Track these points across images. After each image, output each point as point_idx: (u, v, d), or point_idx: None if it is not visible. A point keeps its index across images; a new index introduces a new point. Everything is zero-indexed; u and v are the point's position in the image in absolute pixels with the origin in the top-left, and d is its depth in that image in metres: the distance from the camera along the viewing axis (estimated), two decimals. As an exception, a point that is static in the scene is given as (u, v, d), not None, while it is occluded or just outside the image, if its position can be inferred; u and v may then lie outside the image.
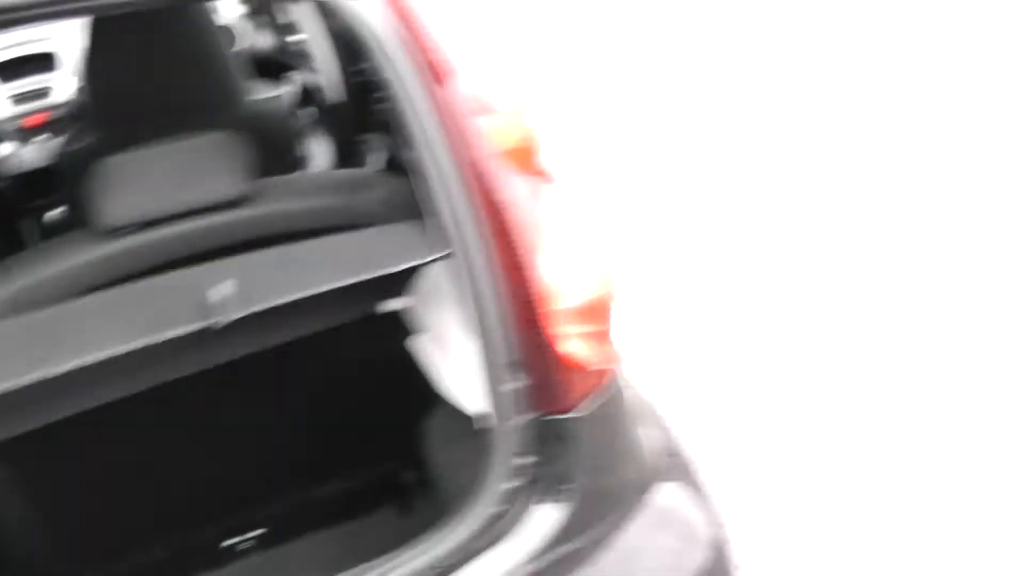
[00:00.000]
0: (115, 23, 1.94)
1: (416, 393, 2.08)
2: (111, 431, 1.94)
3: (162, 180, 1.84)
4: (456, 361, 1.86)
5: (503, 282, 1.57)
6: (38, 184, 2.73)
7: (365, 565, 1.52)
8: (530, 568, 1.56)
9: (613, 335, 1.69)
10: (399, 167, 2.14)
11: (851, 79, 6.12)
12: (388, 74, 1.62)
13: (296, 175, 2.16)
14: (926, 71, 6.01)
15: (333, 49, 2.75)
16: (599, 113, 6.14)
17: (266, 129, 2.29)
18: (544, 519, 1.60)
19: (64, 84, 2.86)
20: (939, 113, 5.49)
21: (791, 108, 5.91)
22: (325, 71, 2.77)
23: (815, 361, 3.74)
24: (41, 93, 2.87)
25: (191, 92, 2.12)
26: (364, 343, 2.11)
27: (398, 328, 2.09)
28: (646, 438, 1.85)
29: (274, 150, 2.35)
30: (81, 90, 2.44)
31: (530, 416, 1.59)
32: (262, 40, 3.08)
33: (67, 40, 2.89)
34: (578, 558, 1.62)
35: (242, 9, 3.15)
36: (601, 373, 1.67)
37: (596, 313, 1.63)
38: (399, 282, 1.97)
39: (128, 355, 1.58)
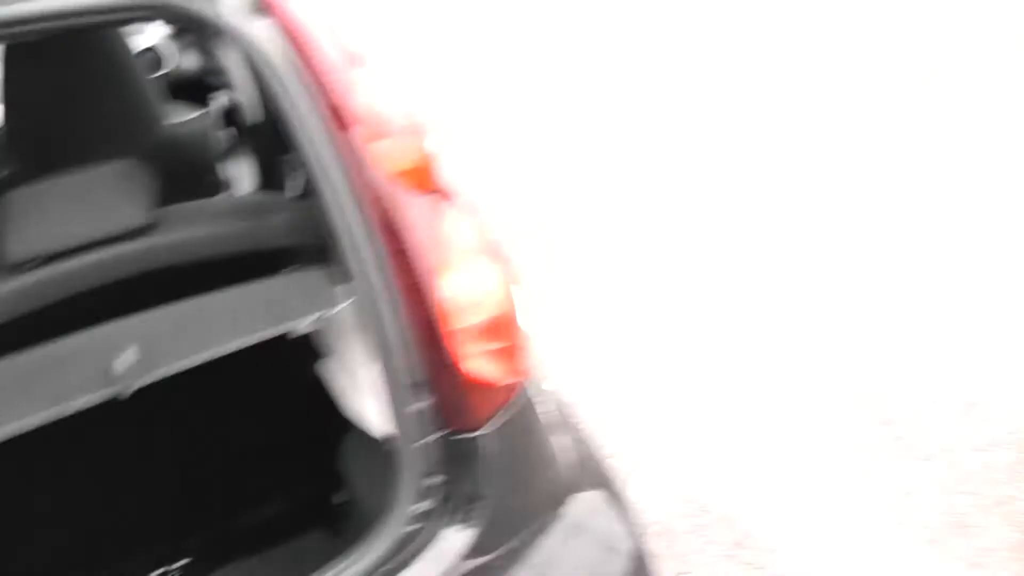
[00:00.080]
0: (28, 51, 1.92)
1: (334, 415, 2.08)
2: (29, 467, 1.92)
3: (65, 212, 1.82)
4: (361, 384, 1.86)
5: (403, 304, 1.57)
6: None
7: None
8: (442, 588, 1.56)
9: (522, 349, 1.69)
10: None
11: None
12: (280, 98, 1.62)
13: (202, 201, 2.15)
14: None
15: (250, 68, 2.74)
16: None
17: (182, 153, 2.27)
18: (455, 538, 1.60)
19: None
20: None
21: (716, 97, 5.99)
22: (245, 91, 2.76)
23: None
24: None
25: (104, 119, 2.10)
26: (277, 368, 2.10)
27: (309, 351, 2.08)
28: (561, 448, 1.85)
29: (191, 174, 2.33)
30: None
31: (437, 436, 1.58)
32: (187, 61, 3.05)
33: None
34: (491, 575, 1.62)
35: (168, 30, 3.12)
36: (509, 388, 1.67)
37: (500, 330, 1.63)
38: None
39: None
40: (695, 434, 3.56)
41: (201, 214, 2.04)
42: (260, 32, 1.67)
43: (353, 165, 1.61)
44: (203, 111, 2.63)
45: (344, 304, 1.72)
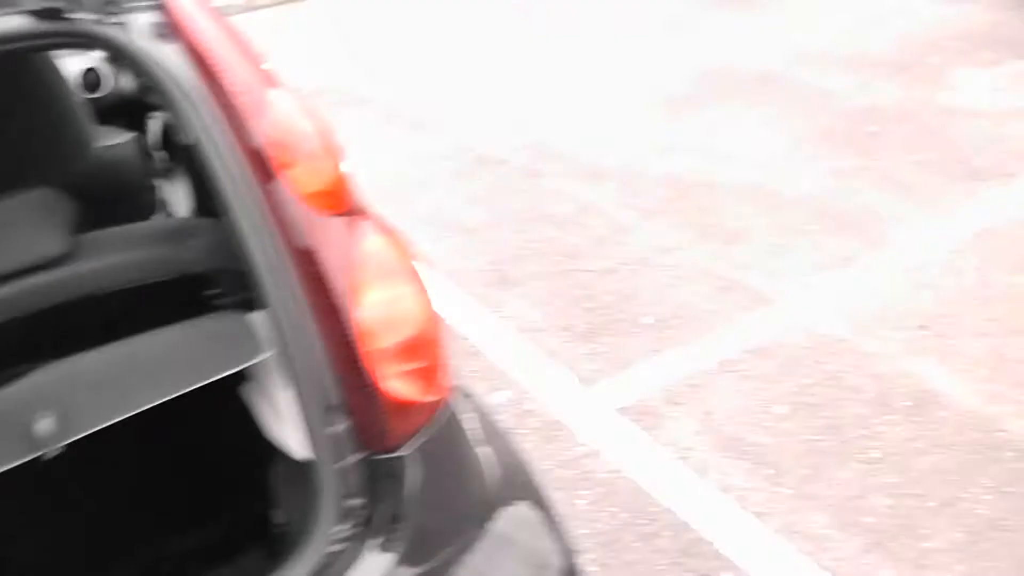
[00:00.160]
0: None
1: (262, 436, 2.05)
2: None
3: None
4: (280, 407, 1.84)
5: (318, 326, 1.55)
6: None
7: None
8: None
9: (443, 367, 1.68)
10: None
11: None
12: (190, 121, 1.60)
13: (124, 227, 2.12)
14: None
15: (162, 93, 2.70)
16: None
17: (112, 177, 2.24)
18: (377, 560, 1.58)
19: None
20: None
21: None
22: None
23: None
24: None
25: (24, 145, 2.07)
26: (206, 390, 2.07)
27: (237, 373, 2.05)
28: (488, 460, 1.83)
29: (122, 198, 2.30)
30: None
31: (356, 458, 1.56)
32: (125, 81, 3.02)
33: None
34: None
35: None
36: (431, 407, 1.65)
37: (420, 349, 1.61)
38: None
39: None
40: (640, 438, 3.55)
41: (122, 240, 2.01)
42: (169, 56, 1.64)
43: (265, 187, 1.59)
44: (135, 133, 2.60)
45: (267, 354, 1.70)
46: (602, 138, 6.26)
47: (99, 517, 2.19)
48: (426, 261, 1.71)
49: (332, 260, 1.57)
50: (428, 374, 1.63)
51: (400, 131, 6.80)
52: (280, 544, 2.32)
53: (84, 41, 1.75)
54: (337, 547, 1.55)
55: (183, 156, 2.69)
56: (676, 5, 8.93)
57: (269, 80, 1.75)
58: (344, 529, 1.56)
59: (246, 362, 1.73)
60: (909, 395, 3.63)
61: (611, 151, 6.04)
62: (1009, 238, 4.63)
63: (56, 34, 1.69)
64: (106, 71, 2.99)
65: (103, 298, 1.82)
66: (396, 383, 1.57)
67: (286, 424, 1.81)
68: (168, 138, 2.76)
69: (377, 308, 1.57)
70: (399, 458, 1.60)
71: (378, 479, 1.59)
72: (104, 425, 1.61)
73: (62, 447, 1.61)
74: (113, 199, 2.13)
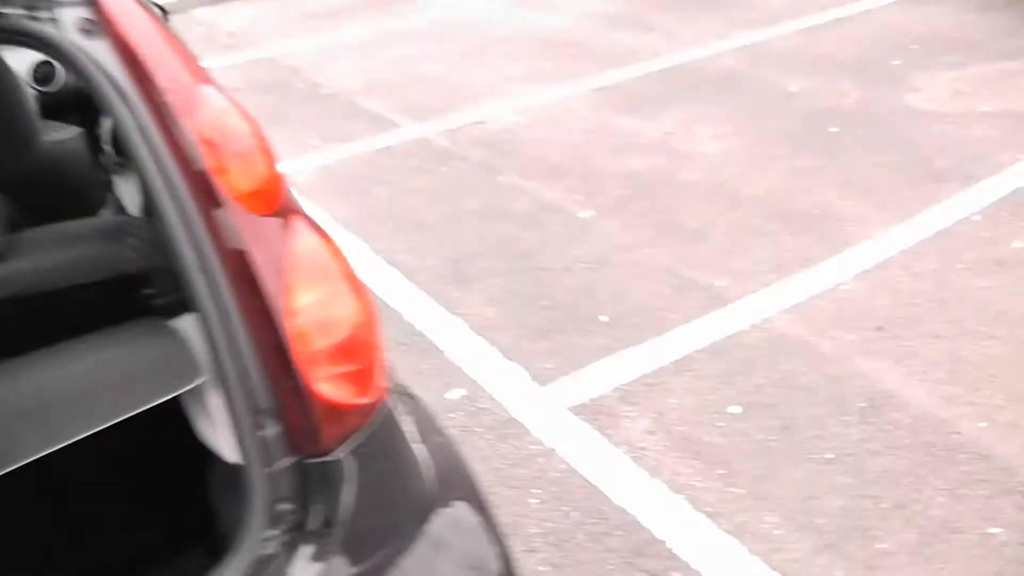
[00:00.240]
0: None
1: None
2: None
3: None
4: (211, 411, 1.78)
5: (248, 328, 1.50)
6: None
7: None
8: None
9: (378, 369, 1.62)
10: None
11: None
12: (119, 117, 1.55)
13: (60, 225, 2.06)
14: None
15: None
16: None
17: (56, 173, 2.18)
18: (310, 564, 1.52)
19: None
20: None
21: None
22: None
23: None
24: None
25: None
26: None
27: None
28: (426, 461, 1.78)
29: (68, 195, 2.24)
30: None
31: (288, 462, 1.51)
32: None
33: None
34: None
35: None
36: (366, 409, 1.60)
37: (353, 352, 1.56)
38: None
39: None
40: (594, 437, 3.52)
41: (58, 239, 1.95)
42: (99, 52, 1.59)
43: (195, 186, 1.54)
44: (81, 129, 2.53)
45: (202, 379, 1.64)
46: (562, 136, 6.23)
47: (34, 522, 2.13)
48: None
49: (264, 261, 1.52)
50: (362, 377, 1.58)
51: (360, 125, 6.74)
52: (222, 547, 2.27)
53: (14, 37, 1.70)
54: (268, 552, 1.50)
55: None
56: (638, 4, 8.92)
57: (201, 77, 1.70)
58: (275, 534, 1.50)
59: (181, 388, 1.67)
60: (864, 396, 3.61)
61: (570, 149, 6.00)
62: (968, 241, 4.62)
63: None
64: (59, 65, 2.93)
65: (35, 298, 1.76)
66: (329, 386, 1.52)
67: (218, 428, 1.76)
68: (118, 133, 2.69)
69: (310, 310, 1.52)
70: (332, 462, 1.54)
71: (311, 483, 1.54)
72: (29, 460, 1.55)
73: None
74: (59, 195, 2.06)
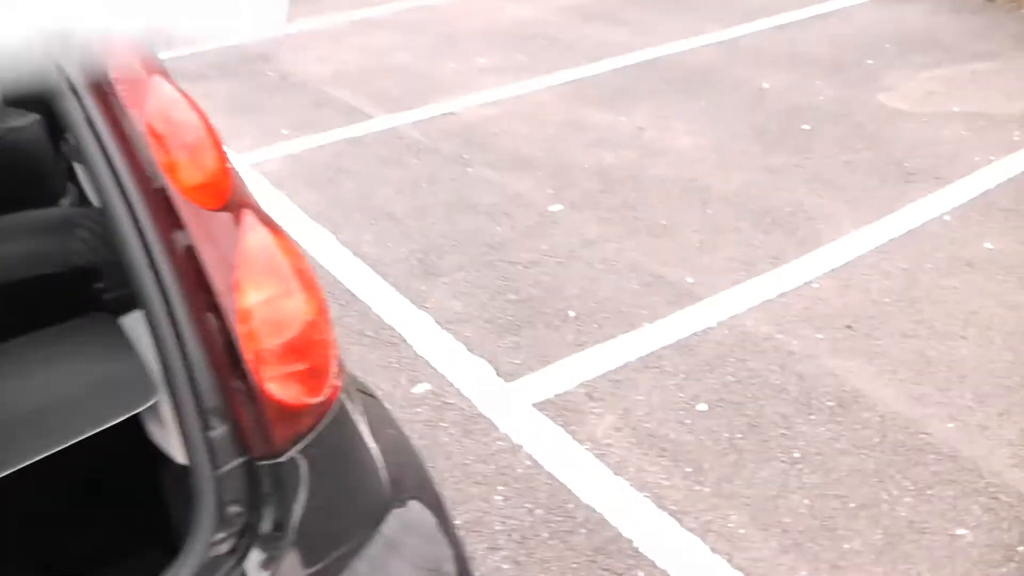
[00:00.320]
0: None
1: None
2: None
3: None
4: (160, 411, 1.73)
5: (196, 326, 1.45)
6: None
7: None
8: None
9: (330, 368, 1.57)
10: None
11: None
12: (66, 106, 1.50)
13: (9, 216, 2.00)
14: None
15: None
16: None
17: (10, 161, 2.12)
18: (261, 568, 1.48)
19: None
20: None
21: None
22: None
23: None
24: None
25: None
26: None
27: None
28: (380, 460, 1.74)
29: (23, 184, 2.18)
30: None
31: (236, 463, 1.46)
32: None
33: None
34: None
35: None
36: (317, 409, 1.55)
37: (304, 350, 1.51)
38: None
39: None
40: (560, 433, 3.48)
41: (4, 231, 1.89)
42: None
43: (142, 179, 1.49)
44: (38, 116, 2.47)
45: (154, 399, 1.59)
46: (533, 129, 6.19)
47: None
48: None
49: (212, 257, 1.46)
50: (314, 375, 1.53)
51: (330, 115, 6.68)
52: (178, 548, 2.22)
53: None
54: (217, 554, 1.45)
55: None
56: (613, -1, 8.90)
57: (150, 68, 1.64)
58: (224, 536, 1.46)
59: (136, 408, 1.62)
60: (832, 395, 3.59)
61: (541, 143, 5.96)
62: (938, 241, 4.61)
63: None
64: None
65: None
66: (279, 386, 1.47)
67: (168, 428, 1.70)
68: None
69: (259, 307, 1.46)
70: (284, 463, 1.50)
71: (262, 485, 1.49)
72: None
73: None
74: (15, 184, 2.00)
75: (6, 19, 1.39)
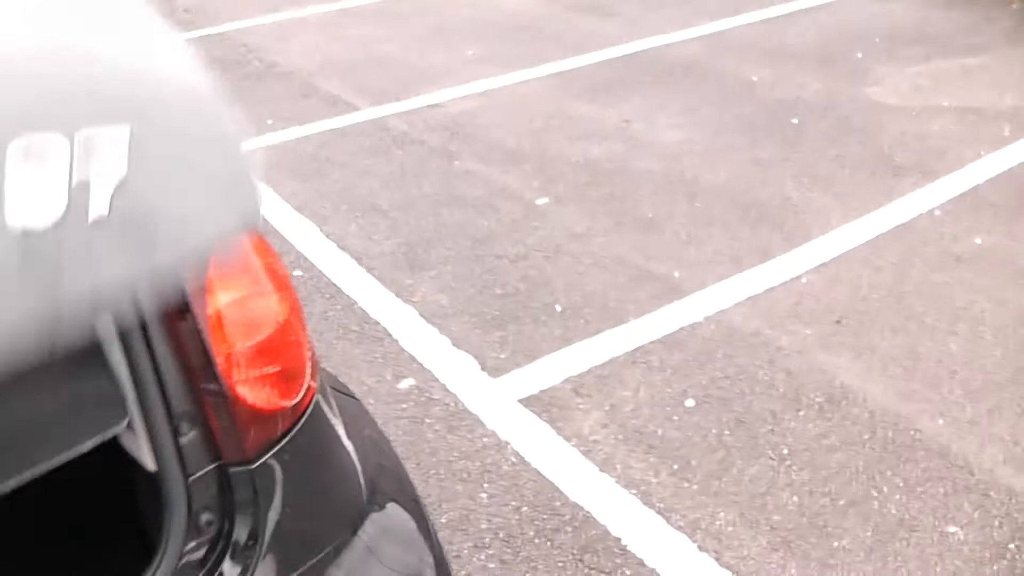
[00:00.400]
0: None
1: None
2: None
3: None
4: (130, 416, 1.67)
5: (163, 328, 1.39)
6: None
7: None
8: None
9: (304, 370, 1.53)
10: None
11: None
12: None
13: None
14: None
15: None
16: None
17: None
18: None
19: None
20: None
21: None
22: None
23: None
24: None
25: None
26: None
27: None
28: (356, 460, 1.69)
29: None
30: None
31: (207, 469, 1.41)
32: None
33: None
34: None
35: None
36: (291, 412, 1.50)
37: (276, 352, 1.46)
38: None
39: None
40: (546, 430, 3.44)
41: None
42: None
43: None
44: None
45: (125, 423, 1.53)
46: (519, 121, 6.14)
47: None
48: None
49: None
50: (287, 378, 1.48)
51: (316, 106, 6.63)
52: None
53: None
54: (189, 563, 1.40)
55: None
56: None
57: None
58: (196, 545, 1.41)
59: (107, 432, 1.56)
60: (821, 391, 3.55)
61: (527, 135, 5.92)
62: (928, 236, 4.58)
63: None
64: None
65: None
66: (251, 389, 1.42)
67: (138, 433, 1.65)
68: None
69: (230, 308, 1.41)
70: (258, 468, 1.45)
71: (234, 491, 1.44)
72: None
73: None
74: None
75: None
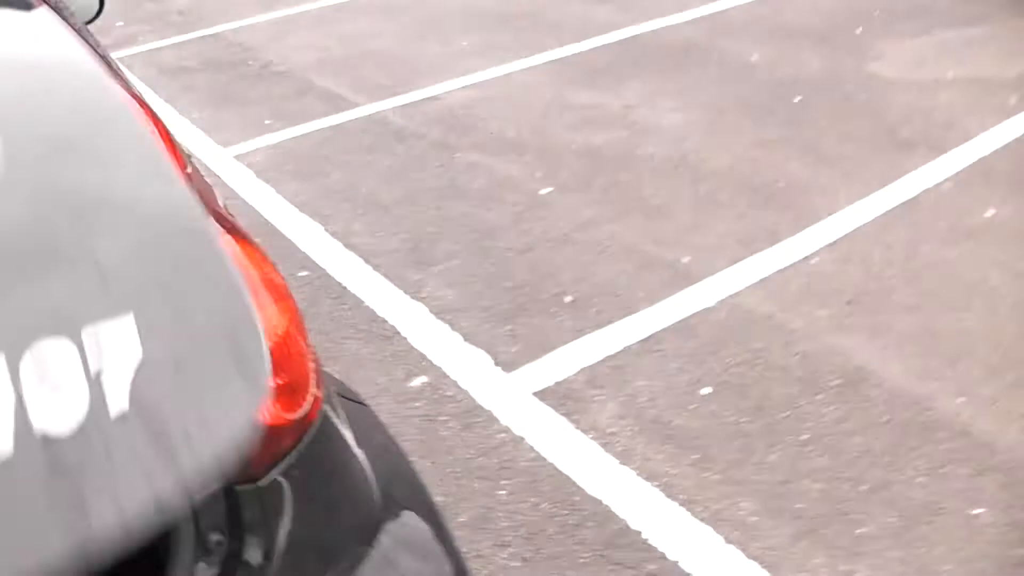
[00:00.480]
0: None
1: None
2: None
3: None
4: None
5: None
6: None
7: None
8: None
9: (310, 381, 1.48)
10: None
11: None
12: None
13: None
14: None
15: None
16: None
17: None
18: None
19: None
20: None
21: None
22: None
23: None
24: None
25: None
26: None
27: None
28: (368, 468, 1.64)
29: None
30: None
31: (216, 488, 1.37)
32: None
33: None
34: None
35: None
36: (298, 425, 1.45)
37: (279, 364, 1.40)
38: None
39: None
40: (562, 423, 3.40)
41: None
42: None
43: None
44: None
45: None
46: (519, 111, 6.09)
47: None
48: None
49: None
50: (291, 390, 1.43)
51: (313, 103, 6.59)
52: None
53: None
54: None
55: None
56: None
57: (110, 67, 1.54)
58: (206, 567, 1.36)
59: None
60: (838, 373, 3.51)
61: (528, 124, 5.87)
62: (938, 210, 4.54)
63: None
64: None
65: None
66: None
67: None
68: None
69: None
70: (266, 486, 1.40)
71: (242, 511, 1.39)
72: None
73: None
74: None
75: None
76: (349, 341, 3.97)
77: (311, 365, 1.49)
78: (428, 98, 6.48)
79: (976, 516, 2.92)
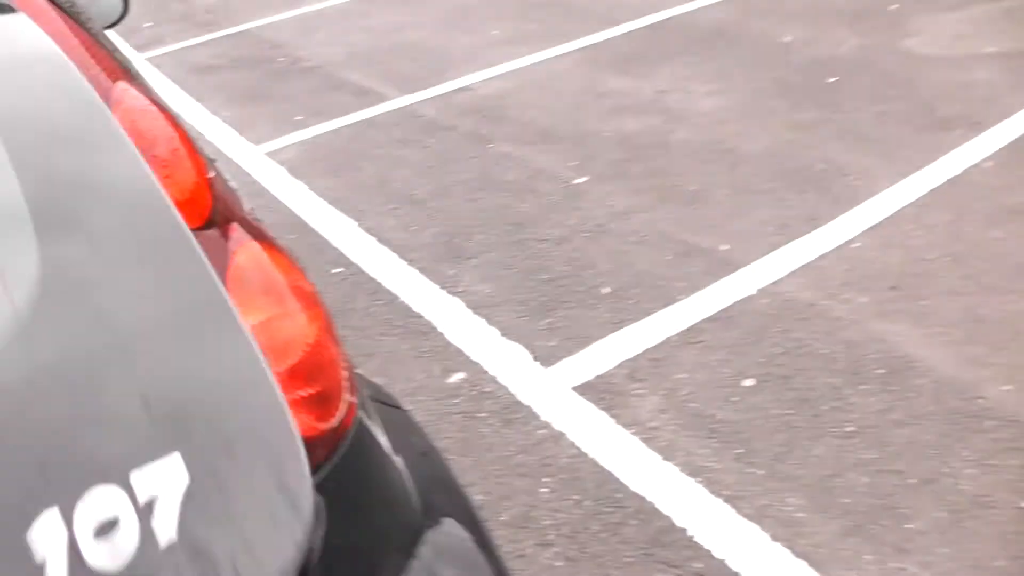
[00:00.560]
0: None
1: None
2: None
3: None
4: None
5: None
6: None
7: None
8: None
9: (343, 389, 1.44)
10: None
11: None
12: None
13: None
14: None
15: None
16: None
17: None
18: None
19: None
20: None
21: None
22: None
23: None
24: None
25: None
26: None
27: None
28: (406, 476, 1.60)
29: None
30: None
31: None
32: None
33: None
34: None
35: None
36: (332, 435, 1.42)
37: (311, 373, 1.37)
38: None
39: None
40: (603, 418, 3.36)
41: None
42: None
43: None
44: None
45: None
46: (551, 99, 6.04)
47: None
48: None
49: None
50: (324, 400, 1.39)
51: (344, 98, 6.56)
52: None
53: None
54: None
55: None
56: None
57: (115, 74, 1.51)
58: None
59: None
60: (882, 362, 3.45)
61: (560, 113, 5.82)
62: (981, 189, 4.45)
63: None
64: None
65: None
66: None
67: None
68: None
69: (257, 332, 1.31)
70: None
71: None
72: None
73: None
74: None
75: None
76: (385, 338, 3.94)
77: (343, 372, 1.46)
78: (459, 89, 6.44)
79: (1028, 508, 2.85)
